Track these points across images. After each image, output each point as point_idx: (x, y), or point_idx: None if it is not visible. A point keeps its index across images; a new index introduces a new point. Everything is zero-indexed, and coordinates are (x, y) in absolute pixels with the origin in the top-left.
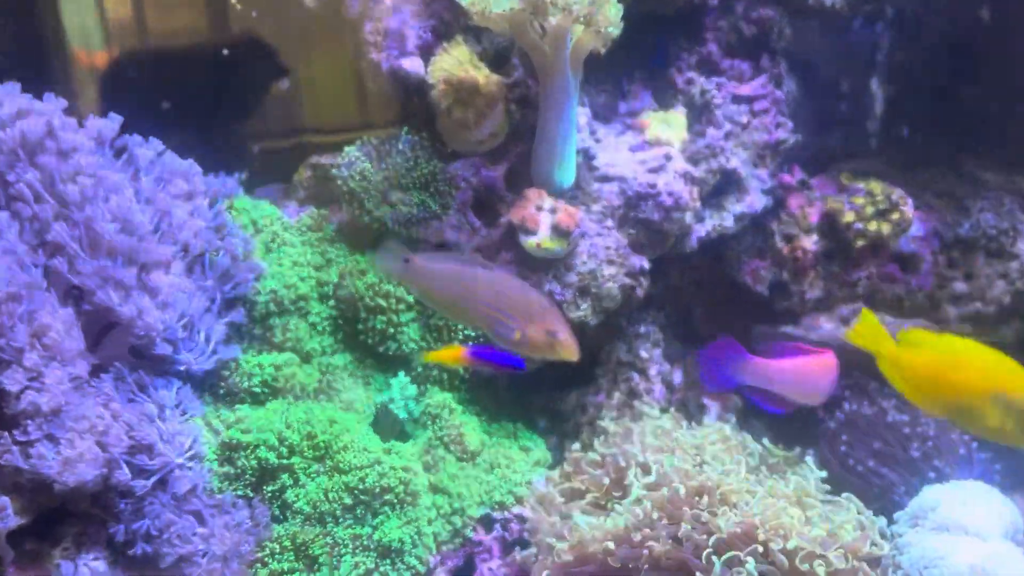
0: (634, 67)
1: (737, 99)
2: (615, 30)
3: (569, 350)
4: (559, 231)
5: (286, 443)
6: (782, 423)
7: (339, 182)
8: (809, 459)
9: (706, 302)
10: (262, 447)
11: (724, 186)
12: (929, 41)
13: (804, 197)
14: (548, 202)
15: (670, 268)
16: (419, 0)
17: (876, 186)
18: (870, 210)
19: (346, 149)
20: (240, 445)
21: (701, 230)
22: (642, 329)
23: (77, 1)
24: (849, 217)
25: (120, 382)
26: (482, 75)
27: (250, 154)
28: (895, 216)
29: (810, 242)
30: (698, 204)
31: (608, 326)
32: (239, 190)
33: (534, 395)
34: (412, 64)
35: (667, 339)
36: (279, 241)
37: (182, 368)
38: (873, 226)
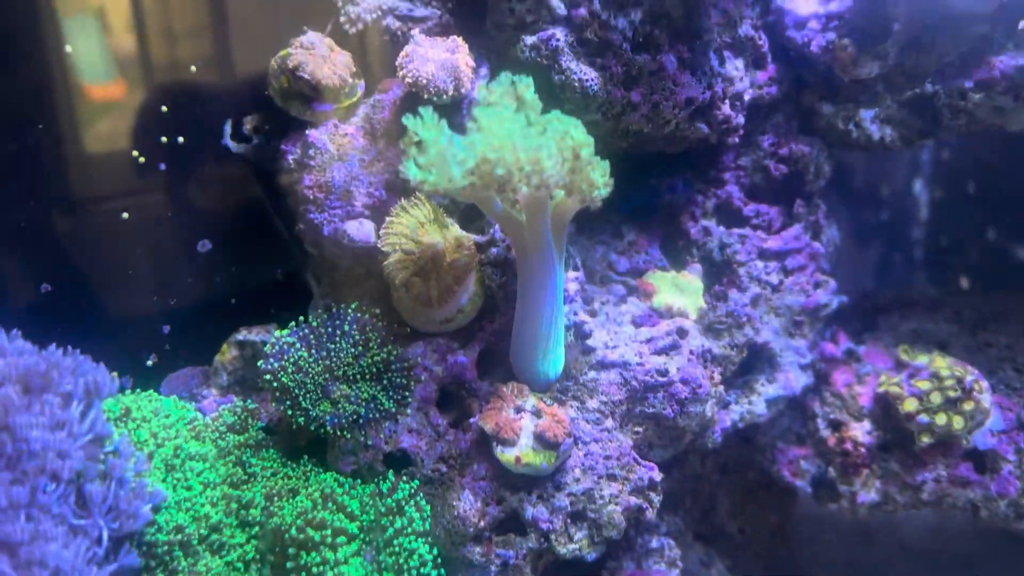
0: (636, 211)
1: (765, 254)
2: (603, 192)
3: None
4: (544, 442)
5: None
6: None
7: (267, 377)
8: None
9: (734, 492)
10: None
11: (753, 362)
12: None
13: (852, 372)
14: (530, 401)
15: (689, 454)
16: (371, 147)
17: (942, 365)
18: (937, 399)
19: (276, 333)
20: None
21: (726, 419)
22: (654, 543)
23: None
24: (911, 406)
25: None
26: (449, 239)
27: (160, 330)
28: (968, 407)
29: (862, 431)
30: (720, 389)
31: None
32: (114, 388)
33: None
34: (360, 229)
35: (686, 542)
36: (185, 455)
37: None
38: (942, 419)
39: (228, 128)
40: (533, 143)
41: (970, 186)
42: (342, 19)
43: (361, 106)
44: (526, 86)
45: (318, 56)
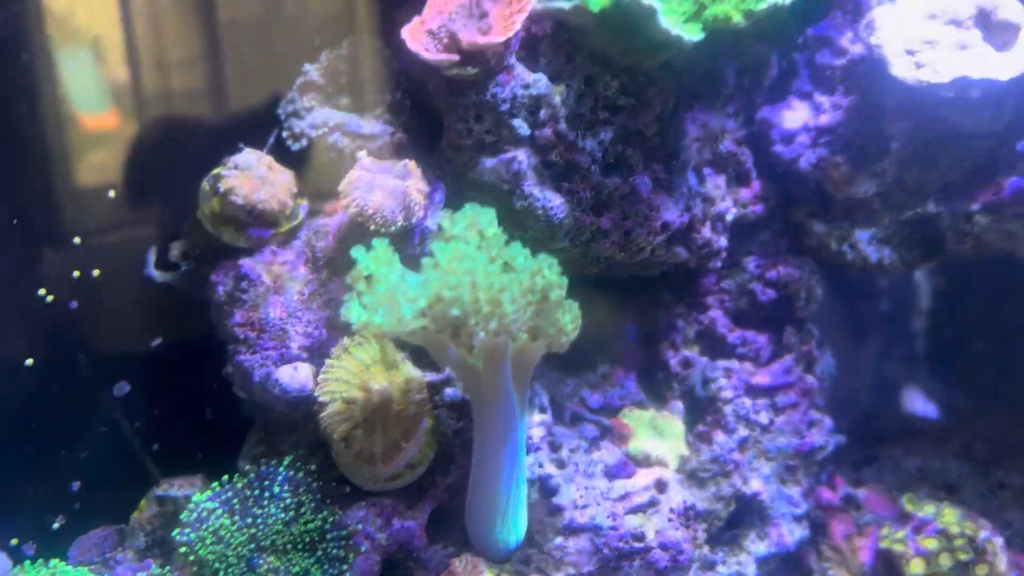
0: (610, 338)
1: (753, 391)
2: (572, 336)
3: None
4: None
5: None
6: None
7: (183, 549)
8: None
9: None
10: None
11: (742, 514)
12: None
13: (851, 521)
14: None
15: None
16: (312, 278)
17: (951, 520)
18: (947, 561)
19: (195, 498)
20: None
21: None
22: None
23: None
24: (917, 568)
25: None
26: (398, 382)
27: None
28: (982, 571)
29: None
30: (705, 550)
31: None
32: (4, 571)
33: None
34: (294, 377)
35: None
36: None
37: None
38: None
39: (151, 256)
40: (495, 282)
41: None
42: (285, 134)
43: (304, 228)
44: (488, 220)
45: (255, 178)
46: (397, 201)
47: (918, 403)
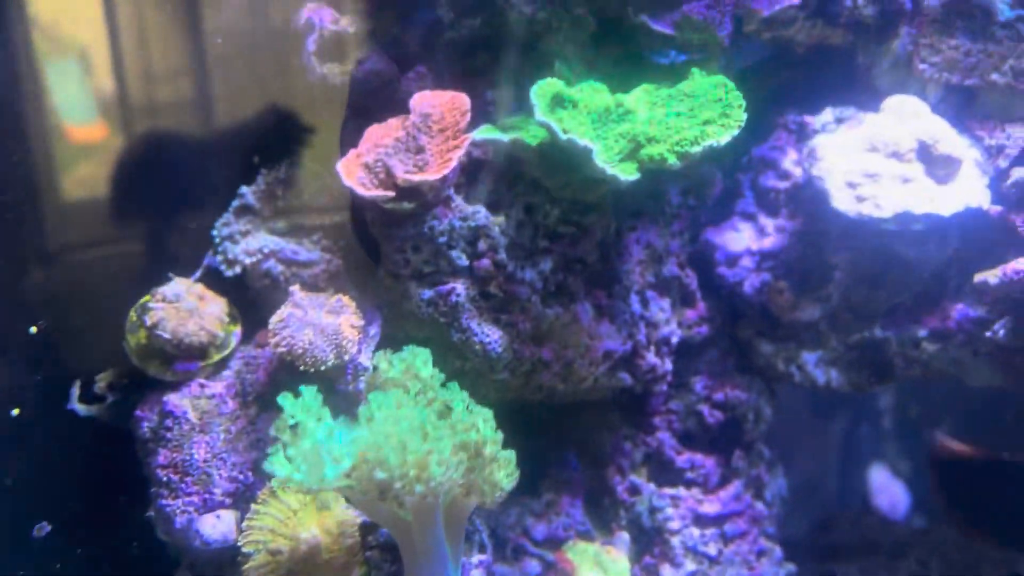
0: (556, 462)
1: (702, 521)
2: (505, 491)
3: None
4: None
5: None
6: None
7: None
8: None
9: None
10: None
11: None
12: None
13: None
14: None
15: None
16: (241, 414)
17: None
18: None
19: None
20: None
21: None
22: None
23: None
24: None
25: None
26: (329, 526)
27: None
28: None
29: None
30: None
31: None
32: None
33: None
34: (216, 527)
35: None
36: None
37: None
38: None
39: (75, 390)
40: (425, 445)
41: None
42: (218, 259)
43: (237, 355)
44: (424, 361)
45: (183, 310)
46: (328, 340)
47: (881, 480)
